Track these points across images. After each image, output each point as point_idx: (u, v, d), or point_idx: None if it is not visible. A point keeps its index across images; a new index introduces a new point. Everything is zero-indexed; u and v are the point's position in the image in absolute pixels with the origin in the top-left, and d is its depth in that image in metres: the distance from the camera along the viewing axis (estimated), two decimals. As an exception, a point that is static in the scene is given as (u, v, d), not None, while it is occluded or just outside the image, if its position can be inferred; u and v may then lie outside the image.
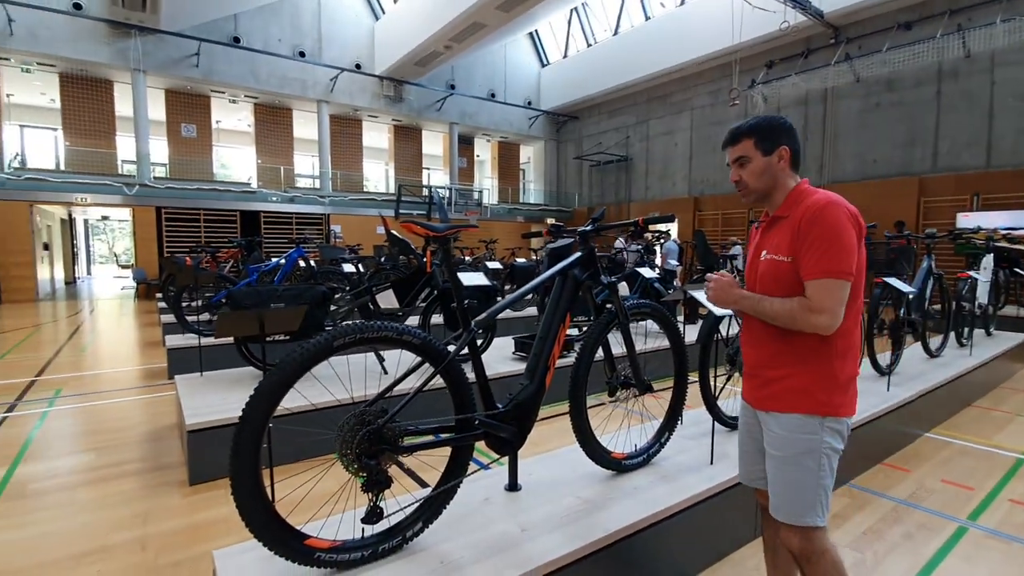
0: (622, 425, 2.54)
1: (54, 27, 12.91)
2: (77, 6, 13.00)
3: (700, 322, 2.46)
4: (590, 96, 19.71)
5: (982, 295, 5.31)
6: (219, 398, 3.44)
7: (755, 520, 2.32)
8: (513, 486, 2.10)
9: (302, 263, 6.55)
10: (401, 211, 17.70)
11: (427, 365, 1.68)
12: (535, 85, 21.74)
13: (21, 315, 10.76)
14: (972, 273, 5.06)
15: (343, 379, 3.28)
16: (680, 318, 6.14)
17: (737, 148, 1.53)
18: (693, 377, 2.52)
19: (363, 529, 1.61)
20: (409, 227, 1.68)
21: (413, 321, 5.40)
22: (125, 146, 15.92)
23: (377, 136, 21.66)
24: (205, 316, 6.38)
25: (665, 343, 2.44)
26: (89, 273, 25.53)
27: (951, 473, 3.09)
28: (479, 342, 4.32)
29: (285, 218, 16.56)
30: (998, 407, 4.41)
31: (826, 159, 13.43)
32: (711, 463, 2.35)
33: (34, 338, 8.14)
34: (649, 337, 4.47)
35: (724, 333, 2.76)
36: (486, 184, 22.98)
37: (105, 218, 24.44)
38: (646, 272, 5.20)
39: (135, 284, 14.74)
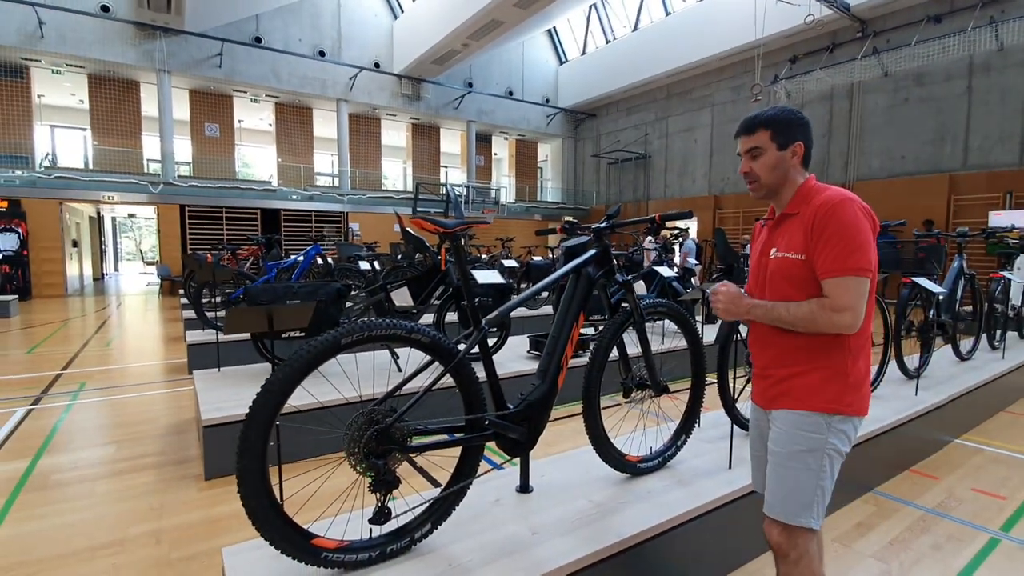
0: (637, 427, 2.49)
1: (83, 29, 13.23)
2: (105, 8, 13.30)
3: (719, 322, 2.39)
4: (608, 93, 19.53)
5: (1015, 296, 5.11)
6: (235, 393, 3.46)
7: (775, 527, 2.25)
8: (524, 487, 2.07)
9: (320, 260, 6.61)
10: (419, 209, 17.77)
11: (437, 364, 1.65)
12: (553, 82, 21.63)
13: (50, 310, 11.06)
14: (1005, 273, 4.86)
15: (354, 376, 3.28)
16: (699, 317, 6.04)
17: (751, 139, 1.49)
18: (711, 378, 2.45)
19: (371, 529, 1.59)
20: (419, 223, 1.65)
21: (428, 318, 5.39)
22: (150, 145, 16.27)
23: (395, 134, 21.77)
24: (224, 312, 6.48)
25: (682, 343, 2.38)
26: (116, 270, 26.18)
27: (982, 482, 2.97)
28: (492, 341, 4.28)
29: (304, 216, 16.76)
30: (1033, 413, 4.24)
31: (852, 155, 13.10)
32: (729, 467, 2.28)
33: (62, 332, 8.35)
34: (666, 337, 4.39)
35: (743, 334, 2.68)
36: (503, 182, 22.95)
37: (132, 216, 25.02)
38: (664, 271, 5.11)
39: (159, 280, 15.06)
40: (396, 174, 25.02)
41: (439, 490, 1.74)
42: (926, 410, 3.23)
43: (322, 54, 16.61)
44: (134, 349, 7.16)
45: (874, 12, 12.18)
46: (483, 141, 21.53)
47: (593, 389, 2.03)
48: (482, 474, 1.79)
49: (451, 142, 22.12)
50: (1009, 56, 10.26)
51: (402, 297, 4.19)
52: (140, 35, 13.92)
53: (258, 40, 15.59)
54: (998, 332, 4.99)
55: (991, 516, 2.58)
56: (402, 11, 17.62)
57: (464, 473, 1.73)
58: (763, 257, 1.54)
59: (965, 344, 4.54)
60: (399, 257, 8.38)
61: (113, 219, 25.31)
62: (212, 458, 3.04)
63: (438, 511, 1.70)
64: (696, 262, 11.99)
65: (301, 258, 6.34)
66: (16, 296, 11.01)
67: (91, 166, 15.23)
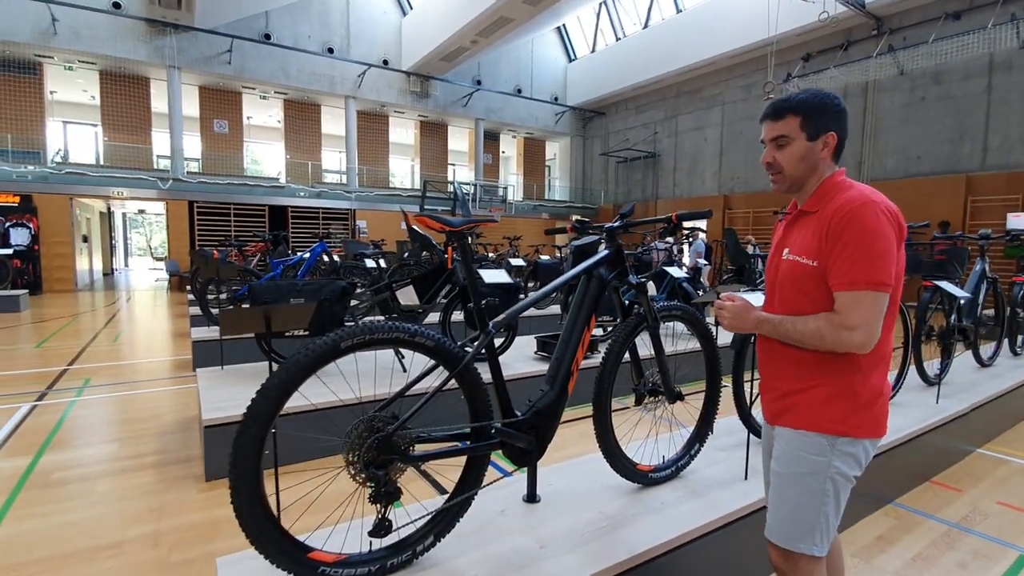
0: (649, 434, 2.40)
1: (95, 26, 13.29)
2: (116, 5, 13.35)
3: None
4: (618, 91, 19.38)
5: (1040, 301, 4.95)
6: (238, 392, 3.41)
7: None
8: (531, 497, 1.99)
9: (325, 258, 6.56)
10: (426, 207, 17.73)
11: (442, 368, 1.58)
12: (562, 80, 21.50)
13: (60, 304, 11.11)
14: (1030, 277, 4.72)
15: (355, 377, 3.21)
16: (711, 319, 5.93)
17: (778, 125, 1.33)
18: (726, 380, 2.36)
19: (371, 542, 1.51)
20: (424, 221, 1.57)
21: (434, 317, 5.32)
22: (160, 141, 16.34)
23: (403, 132, 21.74)
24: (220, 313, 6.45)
25: (695, 345, 2.29)
26: (126, 265, 26.37)
27: (1008, 495, 2.85)
28: (499, 342, 4.21)
29: (312, 213, 16.76)
30: (1058, 422, 4.10)
31: (865, 155, 12.89)
32: (745, 478, 2.19)
33: (70, 327, 8.37)
34: (679, 338, 4.29)
35: (760, 338, 2.59)
36: (511, 180, 22.87)
37: (142, 211, 25.17)
38: (675, 271, 5.01)
39: (168, 276, 15.12)
40: (404, 172, 25.00)
41: (443, 500, 1.67)
42: (948, 419, 3.12)
43: (331, 51, 16.59)
44: (140, 345, 7.16)
45: (890, 9, 11.97)
46: (491, 139, 21.45)
47: (604, 396, 1.94)
48: (487, 485, 1.71)
49: (459, 140, 22.06)
50: (1030, 54, 10.03)
51: (407, 296, 4.13)
52: (151, 31, 13.96)
53: (267, 37, 15.60)
54: (1020, 338, 4.85)
55: (1019, 532, 2.46)
56: (411, 8, 17.57)
57: (469, 483, 1.65)
58: (776, 256, 1.41)
59: (986, 350, 4.41)
60: (406, 255, 8.33)
61: (123, 215, 25.49)
62: (213, 459, 2.99)
63: (441, 523, 1.62)
64: (706, 262, 11.86)
65: (307, 255, 6.30)
66: (27, 290, 11.08)
67: (102, 162, 15.32)
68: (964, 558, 2.27)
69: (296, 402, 1.37)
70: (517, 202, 20.60)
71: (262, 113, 19.91)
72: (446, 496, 1.70)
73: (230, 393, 3.40)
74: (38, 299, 12.00)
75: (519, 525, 1.84)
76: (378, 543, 1.52)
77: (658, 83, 18.21)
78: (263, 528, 1.35)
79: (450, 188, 18.89)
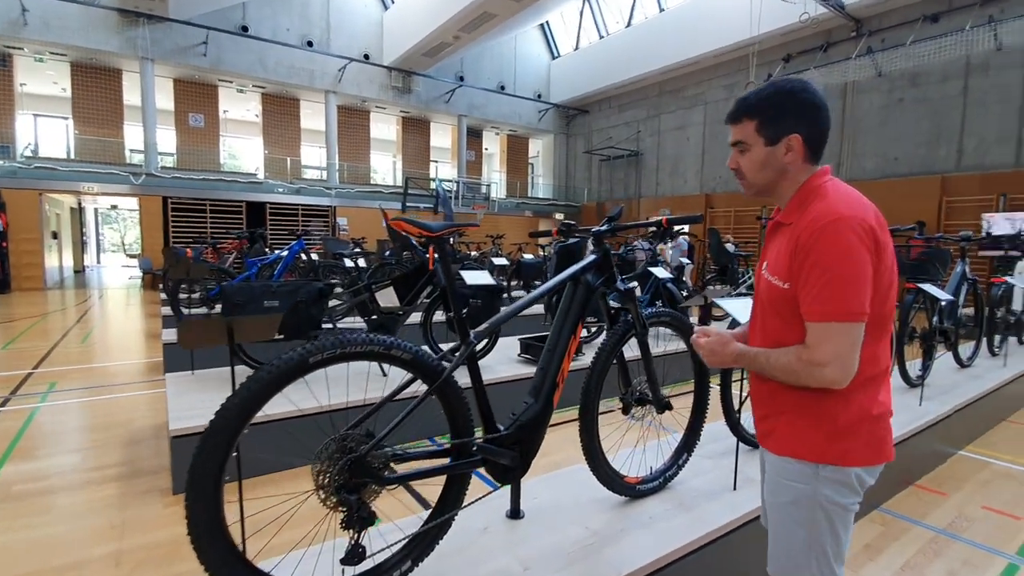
0: (636, 444, 2.33)
1: (66, 16, 12.84)
2: (86, -7, 12.90)
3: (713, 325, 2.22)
4: (601, 89, 19.37)
5: (1017, 302, 5.03)
6: (208, 399, 3.27)
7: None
8: (515, 513, 1.90)
9: (303, 256, 6.39)
10: (408, 204, 17.52)
11: (420, 382, 1.48)
12: (545, 78, 21.42)
13: (28, 303, 10.71)
14: (1008, 279, 4.78)
15: (332, 383, 3.09)
16: (694, 319, 5.91)
17: (737, 129, 1.21)
18: (715, 381, 2.30)
19: (343, 570, 1.41)
20: (400, 225, 1.47)
21: (417, 317, 5.20)
22: (133, 135, 15.88)
23: (385, 128, 21.46)
24: (204, 310, 6.25)
25: (681, 345, 2.21)
26: (99, 262, 25.63)
27: (993, 499, 2.85)
28: (480, 345, 4.12)
29: (291, 209, 16.43)
30: (1036, 423, 4.15)
31: (844, 156, 13.06)
32: (734, 488, 2.13)
33: (38, 327, 8.06)
34: (664, 339, 4.24)
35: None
36: (494, 178, 22.74)
37: (114, 207, 24.48)
38: (659, 272, 4.96)
39: (141, 274, 14.70)
40: (386, 168, 24.70)
41: (423, 519, 1.57)
42: (932, 422, 3.11)
43: (310, 44, 16.27)
44: (109, 347, 6.91)
45: (869, 11, 12.12)
46: (474, 136, 21.29)
47: (591, 406, 1.86)
48: (470, 503, 1.61)
49: (442, 136, 21.86)
50: (1008, 56, 10.21)
51: (387, 297, 4.00)
52: (123, 22, 13.52)
53: (245, 29, 15.23)
54: (997, 338, 4.91)
55: (1006, 539, 2.45)
56: (392, 2, 17.32)
57: (449, 503, 1.56)
58: (759, 270, 1.28)
59: (964, 350, 4.45)
60: (387, 254, 8.18)
61: (95, 210, 24.76)
62: (181, 471, 2.84)
63: (419, 546, 1.52)
64: (689, 261, 11.90)
65: (284, 254, 6.12)
66: (-8, 289, 10.65)
67: (72, 156, 14.82)
68: (953, 566, 2.24)
69: (265, 411, 1.27)
70: (500, 200, 20.48)
71: (239, 107, 19.48)
72: (427, 513, 1.61)
73: (200, 400, 3.26)
74: (5, 298, 11.56)
75: (502, 543, 1.75)
76: (351, 570, 1.42)
77: (641, 82, 18.24)
78: (225, 560, 1.24)
79: (432, 185, 18.70)
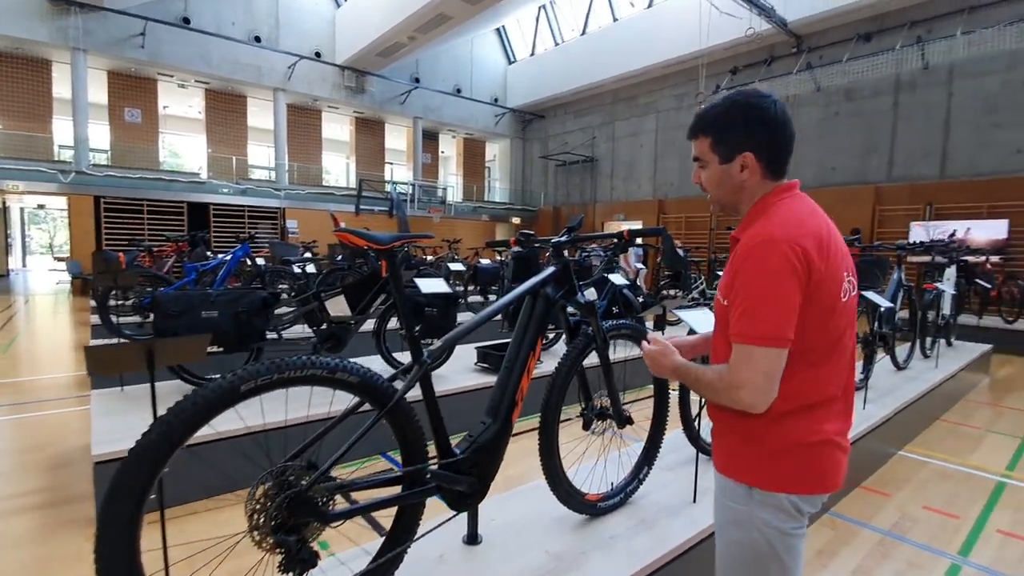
0: (597, 460, 2.27)
1: (-13, 1, 11.84)
2: (8, -24, 11.94)
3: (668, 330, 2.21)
4: (557, 95, 19.54)
5: (946, 306, 5.34)
6: (138, 420, 3.01)
7: None
8: (472, 538, 1.81)
9: (248, 262, 6.07)
10: (362, 207, 17.10)
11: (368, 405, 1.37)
12: (502, 82, 21.43)
13: (-66, 312, 9.76)
14: (939, 285, 5.06)
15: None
16: (649, 324, 5.97)
17: (695, 145, 1.20)
18: (673, 387, 2.28)
19: (282, 616, 1.28)
20: (346, 238, 1.36)
21: (370, 324, 5.02)
22: (62, 130, 14.80)
23: (337, 128, 20.92)
24: (137, 319, 5.84)
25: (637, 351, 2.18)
26: (25, 265, 23.78)
27: (933, 499, 2.97)
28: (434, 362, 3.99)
29: (237, 211, 15.70)
30: (967, 422, 4.39)
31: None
32: (694, 501, 2.11)
33: (-57, 339, 7.33)
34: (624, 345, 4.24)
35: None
36: (451, 181, 22.54)
37: (41, 206, 22.77)
38: (616, 278, 4.97)
39: (71, 278, 13.69)
40: (339, 169, 24.07)
41: (371, 556, 1.45)
42: (876, 424, 3.22)
43: (258, 40, 15.64)
44: (34, 358, 6.35)
45: (809, 28, 12.71)
46: (430, 138, 21.04)
47: (551, 424, 1.80)
48: (428, 532, 1.51)
49: (397, 138, 21.49)
50: (933, 75, 10.92)
51: (338, 306, 3.83)
52: (53, 10, 12.59)
53: (186, 21, 14.47)
54: (928, 340, 5.18)
55: (948, 539, 2.55)
56: (345, 0, 16.91)
57: (402, 534, 1.45)
58: None
59: (900, 353, 4.66)
60: (339, 258, 7.91)
61: (22, 210, 22.97)
62: (105, 499, 2.59)
63: (369, 582, 1.41)
64: (642, 266, 12.12)
65: (228, 258, 5.79)
66: None
67: (-5, 151, 13.67)
68: (900, 568, 2.30)
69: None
70: (457, 203, 20.30)
71: (181, 103, 18.55)
72: (380, 541, 1.49)
73: (128, 421, 3.00)
74: (-92, 306, 10.50)
75: (459, 572, 1.65)
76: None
77: (596, 89, 18.51)
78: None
79: (387, 187, 18.32)
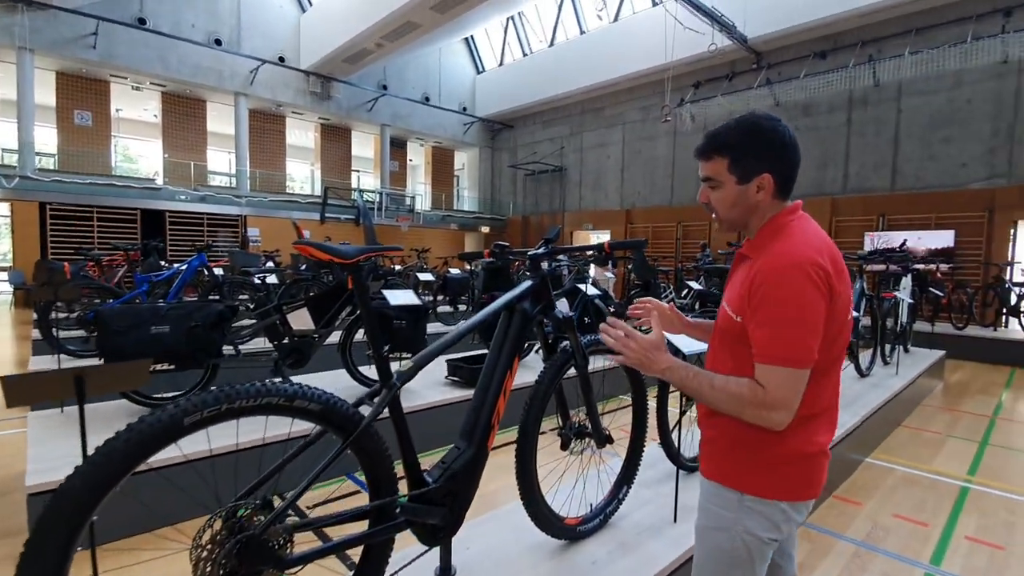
0: (576, 482, 2.19)
1: (-83, -7, 11.11)
2: (-57, -31, 11.25)
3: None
4: (525, 105, 19.64)
5: (904, 314, 5.50)
6: (78, 446, 2.77)
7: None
8: (446, 571, 1.69)
9: (207, 272, 5.79)
10: (328, 215, 16.73)
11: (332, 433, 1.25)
12: (470, 91, 21.41)
13: None
14: (896, 294, 5.21)
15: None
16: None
17: (708, 166, 1.19)
18: (651, 395, 2.22)
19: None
20: (306, 251, 1.24)
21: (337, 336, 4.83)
22: (6, 133, 13.99)
23: (302, 134, 20.48)
24: (83, 333, 5.49)
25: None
26: (-41, 275, 22.30)
27: (901, 506, 3.01)
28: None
29: (195, 219, 15.12)
30: (927, 427, 4.51)
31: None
32: (674, 520, 2.05)
33: None
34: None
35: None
36: (419, 189, 22.32)
37: (-20, 213, 21.46)
38: (588, 288, 4.94)
39: (12, 289, 12.87)
40: (303, 176, 23.53)
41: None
42: (847, 432, 3.25)
43: (218, 42, 15.18)
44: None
45: (768, 45, 13.14)
46: (398, 146, 20.82)
47: (528, 445, 1.71)
48: (398, 571, 1.39)
49: (364, 146, 21.18)
50: (883, 92, 11.43)
51: (301, 319, 3.66)
52: (-2, 8, 11.93)
53: (142, 22, 13.93)
54: (888, 347, 5.33)
55: (919, 548, 2.57)
56: (311, 4, 16.61)
57: (369, 574, 1.33)
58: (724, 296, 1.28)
59: (863, 360, 4.76)
60: (303, 268, 7.65)
61: (-43, 216, 21.59)
62: (38, 535, 2.36)
63: (332, 628, 1.29)
64: (611, 275, 12.20)
65: (183, 268, 5.51)
66: None
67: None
68: (876, 581, 2.30)
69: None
70: (425, 212, 20.08)
71: (136, 106, 17.81)
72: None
73: (69, 447, 2.76)
74: None
75: (431, 609, 1.54)
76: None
77: (564, 100, 18.68)
78: None
79: (354, 195, 17.99)
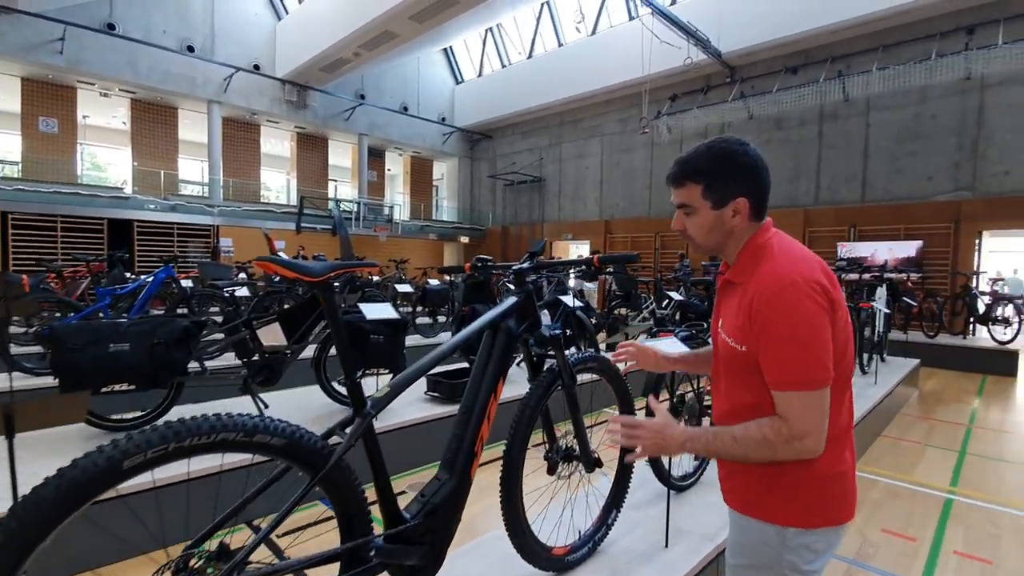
0: (564, 508, 2.09)
1: None
2: None
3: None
4: (504, 116, 19.68)
5: (880, 324, 5.57)
6: (29, 473, 2.56)
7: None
8: (425, 609, 1.57)
9: (175, 285, 5.57)
10: (304, 224, 16.42)
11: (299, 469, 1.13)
12: (449, 101, 21.38)
13: None
14: (874, 304, 5.27)
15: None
16: (602, 346, 5.91)
17: (681, 192, 1.17)
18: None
19: None
20: (270, 268, 1.13)
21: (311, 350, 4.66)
22: (-39, 139, 13.44)
23: (278, 143, 20.16)
24: (40, 349, 5.20)
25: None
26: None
27: (888, 520, 2.98)
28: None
29: (165, 229, 14.68)
30: (906, 437, 4.53)
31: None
32: (666, 545, 1.97)
33: None
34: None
35: (668, 381, 2.43)
36: (398, 199, 22.13)
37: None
38: (569, 300, 4.88)
39: (-34, 303, 12.28)
40: (279, 185, 23.13)
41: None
42: (831, 447, 3.22)
43: (191, 49, 14.86)
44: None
45: (741, 60, 13.41)
46: (376, 156, 20.64)
47: (514, 473, 1.60)
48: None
49: (341, 155, 20.93)
50: (853, 106, 11.74)
51: (272, 335, 3.50)
52: (-46, 9, 11.48)
53: (111, 27, 13.57)
54: (865, 356, 5.38)
55: (909, 564, 2.53)
56: (287, 12, 16.42)
57: (339, 622, 1.21)
58: (715, 322, 1.25)
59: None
60: (276, 280, 7.44)
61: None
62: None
63: None
64: (592, 285, 12.19)
65: (149, 280, 5.27)
66: None
67: None
68: (869, 602, 2.24)
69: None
70: (404, 222, 19.90)
71: (104, 113, 17.30)
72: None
73: (16, 473, 2.54)
74: None
75: (409, 654, 1.41)
76: None
77: (542, 111, 18.77)
78: None
79: (330, 205, 17.72)
